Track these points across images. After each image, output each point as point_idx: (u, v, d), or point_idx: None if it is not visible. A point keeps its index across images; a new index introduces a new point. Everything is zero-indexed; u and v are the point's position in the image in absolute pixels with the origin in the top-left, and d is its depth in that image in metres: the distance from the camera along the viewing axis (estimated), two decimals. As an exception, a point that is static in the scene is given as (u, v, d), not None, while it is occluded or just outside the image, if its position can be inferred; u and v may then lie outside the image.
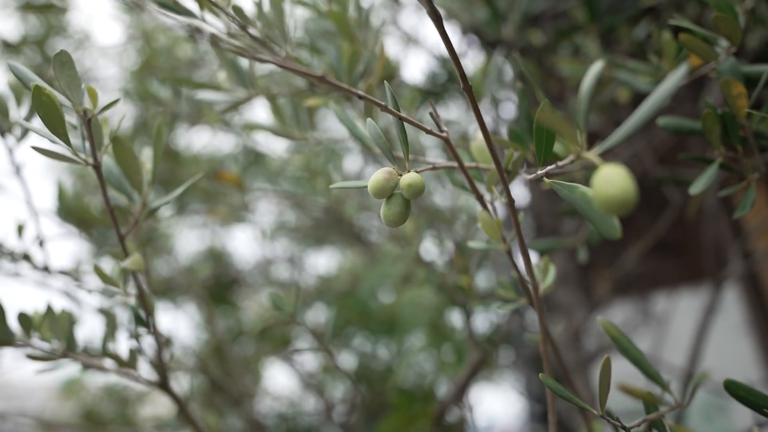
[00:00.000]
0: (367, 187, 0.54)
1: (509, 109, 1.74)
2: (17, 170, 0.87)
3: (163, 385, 0.82)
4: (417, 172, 0.54)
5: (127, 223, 0.69)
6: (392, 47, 1.99)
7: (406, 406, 1.24)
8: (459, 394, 1.21)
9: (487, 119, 1.58)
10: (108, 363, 0.80)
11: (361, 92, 0.46)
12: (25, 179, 0.90)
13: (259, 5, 0.76)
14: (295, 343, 2.20)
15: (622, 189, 0.36)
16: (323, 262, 2.68)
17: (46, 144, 0.61)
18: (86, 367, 0.77)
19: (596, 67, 0.39)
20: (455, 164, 0.62)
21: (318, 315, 2.35)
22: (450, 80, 1.42)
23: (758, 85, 0.68)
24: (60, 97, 0.58)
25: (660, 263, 2.14)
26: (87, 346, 0.86)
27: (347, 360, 2.28)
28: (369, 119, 0.55)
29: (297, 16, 1.17)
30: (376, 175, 0.51)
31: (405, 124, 0.53)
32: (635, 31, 1.21)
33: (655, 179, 1.17)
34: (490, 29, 1.27)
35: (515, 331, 2.18)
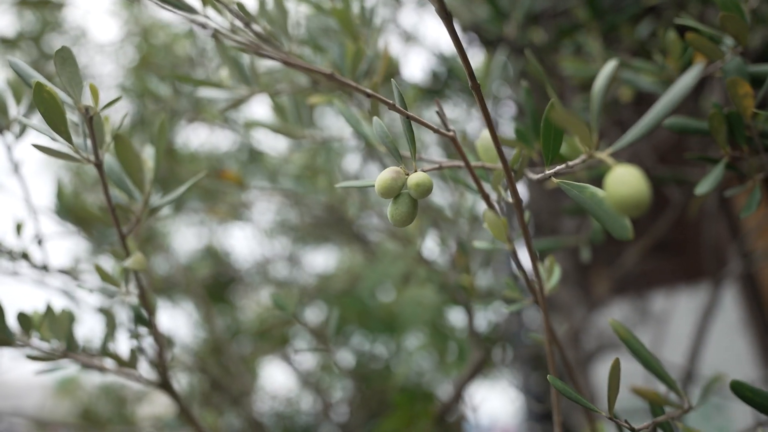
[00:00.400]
0: (372, 186, 0.53)
1: (508, 107, 1.74)
2: (16, 168, 0.86)
3: (165, 385, 0.81)
4: (424, 171, 0.54)
5: (128, 222, 0.68)
6: (393, 45, 1.98)
7: (406, 406, 1.24)
8: (460, 394, 1.20)
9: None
10: (108, 363, 0.79)
11: (369, 90, 0.46)
12: (24, 177, 0.89)
13: (261, 2, 0.75)
14: (293, 342, 2.20)
15: (636, 189, 0.36)
16: (322, 260, 2.68)
17: (46, 142, 0.60)
18: (86, 367, 0.76)
19: (609, 68, 0.39)
20: (461, 163, 0.61)
21: (317, 313, 2.34)
22: (450, 78, 1.41)
23: (764, 85, 0.68)
24: (61, 94, 0.58)
25: (659, 262, 2.15)
26: (86, 346, 0.85)
27: (346, 358, 2.28)
28: (376, 118, 0.54)
29: (299, 13, 1.16)
30: (383, 175, 0.51)
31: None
32: (637, 30, 1.20)
33: (656, 178, 1.16)
34: (492, 27, 1.27)
35: (513, 329, 2.18)
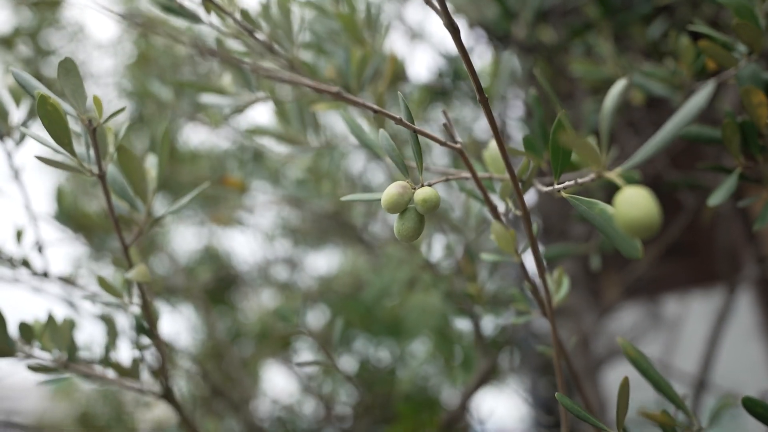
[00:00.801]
0: (378, 200, 0.54)
1: (517, 107, 1.74)
2: (16, 174, 0.88)
3: (166, 395, 0.82)
4: (430, 185, 0.55)
5: (130, 232, 0.70)
6: (398, 42, 1.99)
7: (411, 415, 1.25)
8: (467, 404, 1.21)
9: (496, 117, 1.58)
10: (110, 373, 0.80)
11: (375, 107, 0.46)
12: (24, 183, 0.90)
13: (265, 6, 0.76)
14: (295, 346, 2.21)
15: (647, 212, 0.37)
16: (324, 262, 2.69)
17: (48, 153, 0.61)
18: (87, 377, 0.77)
19: (619, 86, 0.39)
20: (468, 175, 0.62)
21: (319, 317, 2.36)
22: (456, 78, 1.42)
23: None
24: (64, 105, 0.59)
25: (671, 265, 2.15)
26: (86, 354, 0.86)
27: (349, 363, 2.29)
28: (382, 130, 0.55)
29: (304, 16, 1.17)
30: (390, 190, 0.52)
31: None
32: (650, 30, 1.21)
33: (669, 184, 1.17)
34: (500, 27, 1.27)
35: (521, 334, 2.18)
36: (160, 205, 1.85)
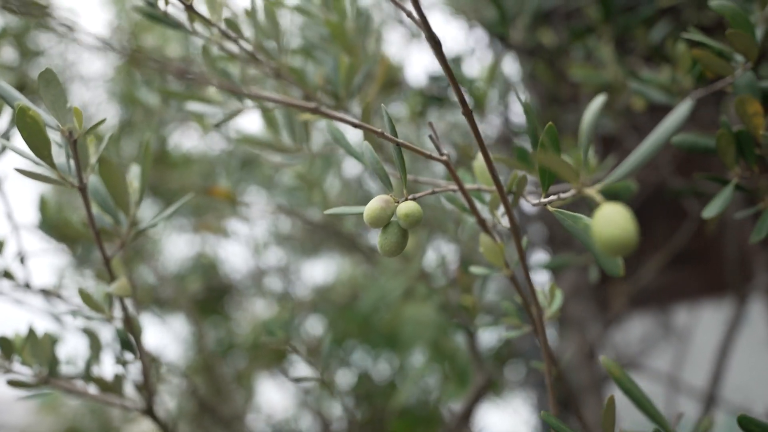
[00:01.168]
0: (361, 214, 0.56)
1: (519, 111, 1.76)
2: (-2, 184, 0.89)
3: (149, 411, 0.84)
4: (415, 199, 0.56)
5: (113, 243, 0.71)
6: (397, 44, 2.01)
7: (407, 431, 1.26)
8: (463, 419, 1.22)
9: (496, 124, 1.60)
10: (91, 388, 0.82)
11: (355, 121, 0.48)
12: (6, 192, 0.92)
13: (251, 13, 0.78)
14: (290, 358, 2.22)
15: (622, 230, 0.38)
16: (319, 271, 2.70)
17: (29, 165, 0.63)
18: (69, 393, 0.79)
19: (596, 104, 0.41)
20: (456, 187, 0.63)
21: (314, 328, 2.37)
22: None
23: (776, 102, 0.70)
24: (45, 116, 0.60)
25: (680, 274, 2.16)
26: (70, 368, 0.88)
27: (347, 376, 2.30)
28: (365, 142, 0.57)
29: (293, 22, 1.19)
30: (372, 204, 0.53)
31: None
32: (651, 33, 1.22)
33: (673, 191, 1.18)
34: (498, 30, 1.29)
35: (526, 346, 2.19)
36: (148, 213, 1.87)
